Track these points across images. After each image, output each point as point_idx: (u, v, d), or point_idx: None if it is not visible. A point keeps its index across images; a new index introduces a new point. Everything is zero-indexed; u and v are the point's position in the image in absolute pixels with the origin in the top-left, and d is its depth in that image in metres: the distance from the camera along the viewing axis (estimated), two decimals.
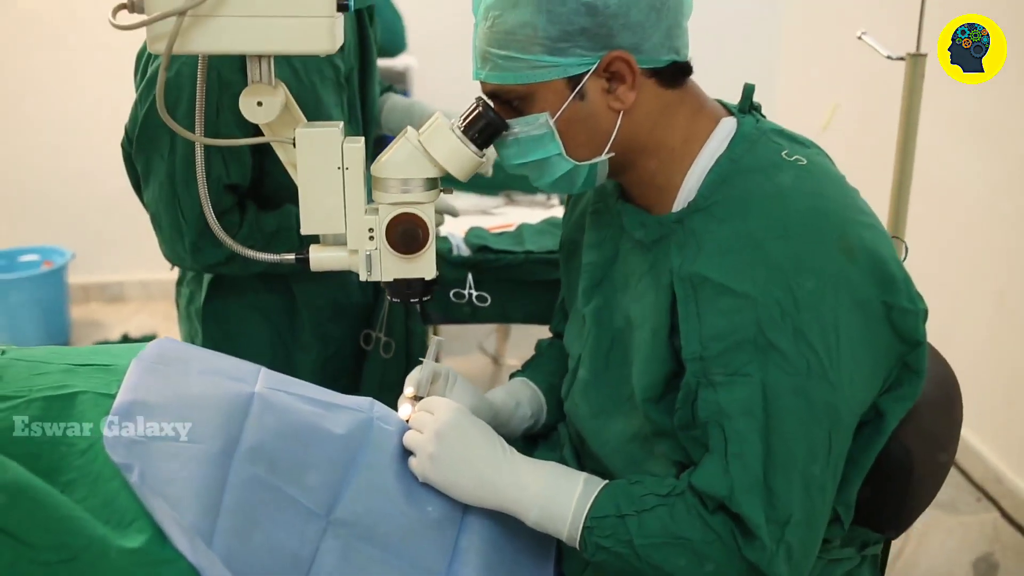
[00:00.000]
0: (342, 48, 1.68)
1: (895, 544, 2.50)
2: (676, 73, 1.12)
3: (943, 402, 1.20)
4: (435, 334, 1.36)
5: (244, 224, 1.52)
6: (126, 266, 4.12)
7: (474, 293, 1.81)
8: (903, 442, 1.11)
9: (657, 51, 1.08)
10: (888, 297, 1.05)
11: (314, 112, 1.50)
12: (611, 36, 1.06)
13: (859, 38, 1.79)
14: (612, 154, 1.12)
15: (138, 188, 1.62)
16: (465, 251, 1.89)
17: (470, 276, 1.81)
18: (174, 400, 1.08)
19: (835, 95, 3.20)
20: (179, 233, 1.53)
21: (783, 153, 1.10)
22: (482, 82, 1.13)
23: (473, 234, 1.93)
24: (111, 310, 4.11)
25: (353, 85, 1.71)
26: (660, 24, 1.08)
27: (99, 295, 4.16)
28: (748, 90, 1.18)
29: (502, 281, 1.86)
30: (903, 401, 1.10)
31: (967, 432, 2.83)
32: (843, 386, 1.02)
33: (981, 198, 2.71)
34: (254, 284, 1.65)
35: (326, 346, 1.79)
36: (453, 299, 1.82)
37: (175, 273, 1.83)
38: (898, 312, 1.06)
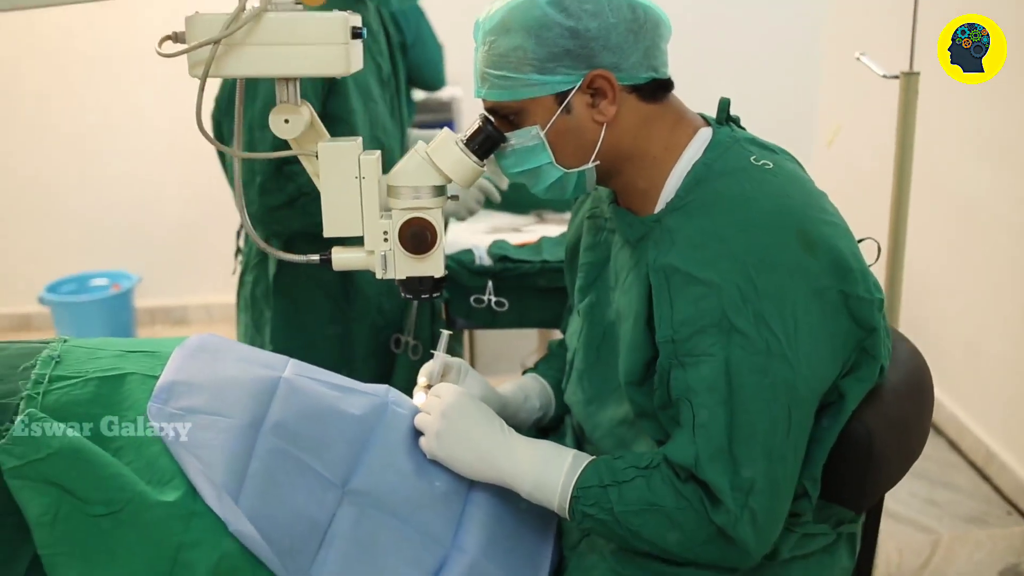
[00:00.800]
0: (383, 54, 2.08)
1: (921, 554, 2.57)
2: (656, 89, 1.25)
3: (910, 390, 1.29)
4: (451, 335, 1.49)
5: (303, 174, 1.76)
6: (189, 290, 4.31)
7: (493, 299, 1.94)
8: (865, 423, 1.21)
9: (636, 69, 1.21)
10: (845, 287, 1.16)
11: (366, 96, 1.91)
12: (593, 57, 1.19)
13: (857, 59, 1.89)
14: (598, 162, 1.25)
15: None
16: (487, 261, 2.03)
17: (490, 283, 1.94)
18: (210, 381, 1.23)
19: (866, 115, 3.29)
20: (252, 176, 1.83)
21: (752, 158, 1.22)
22: (483, 99, 1.27)
23: (496, 246, 2.07)
24: (174, 332, 4.27)
25: (391, 87, 2.00)
26: (638, 45, 1.21)
27: (164, 318, 4.34)
28: (723, 103, 1.30)
29: (520, 288, 2.00)
30: (862, 383, 1.20)
31: (998, 447, 2.87)
32: (801, 366, 1.13)
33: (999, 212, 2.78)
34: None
35: (380, 315, 2.07)
36: (473, 304, 1.96)
37: (233, 292, 2.07)
38: (855, 301, 1.17)
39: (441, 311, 2.10)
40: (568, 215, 2.46)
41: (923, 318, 3.27)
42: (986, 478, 2.94)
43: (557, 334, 1.95)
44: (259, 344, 2.11)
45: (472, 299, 1.96)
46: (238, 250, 2.27)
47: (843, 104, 3.82)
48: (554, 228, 2.37)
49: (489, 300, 1.95)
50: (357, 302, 2.08)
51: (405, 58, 2.53)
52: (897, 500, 2.81)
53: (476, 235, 2.30)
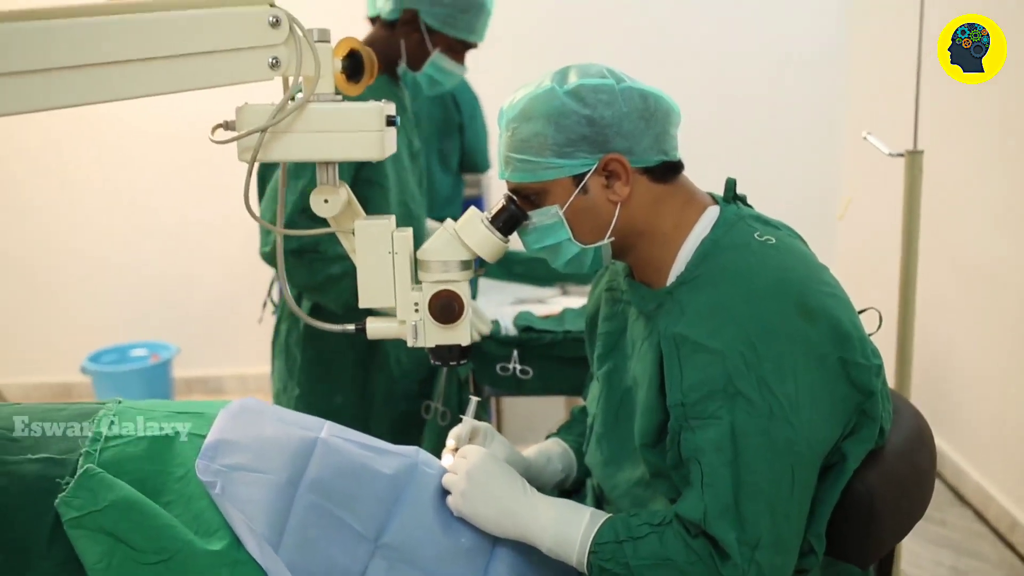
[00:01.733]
0: (413, 131, 2.31)
1: None
2: (666, 171, 1.35)
3: (910, 451, 1.36)
4: (479, 402, 1.59)
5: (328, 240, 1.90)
6: (225, 361, 4.43)
7: (518, 367, 2.03)
8: (867, 483, 1.27)
9: (647, 153, 1.32)
10: (844, 354, 1.24)
11: (398, 165, 2.10)
12: (607, 142, 1.30)
13: (864, 138, 1.99)
14: (613, 238, 1.35)
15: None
16: (512, 332, 2.13)
17: (515, 353, 2.03)
18: (252, 441, 1.32)
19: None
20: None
21: (755, 234, 1.31)
22: (507, 181, 1.37)
23: (521, 317, 2.17)
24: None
25: (419, 162, 2.20)
26: (649, 131, 1.31)
27: (200, 387, 4.45)
28: (730, 183, 1.40)
29: (544, 357, 2.09)
30: (862, 444, 1.28)
31: (1023, 516, 2.89)
32: (802, 427, 1.20)
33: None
34: (343, 316, 2.00)
35: (398, 369, 2.23)
36: (499, 372, 2.05)
37: (267, 363, 2.27)
38: (853, 367, 1.24)
39: (469, 379, 2.20)
40: (590, 287, 2.59)
41: (946, 390, 3.31)
42: (1011, 547, 2.95)
43: (582, 402, 2.04)
44: (291, 387, 2.30)
45: (498, 367, 2.05)
46: (266, 302, 2.52)
47: (860, 179, 3.91)
48: (577, 300, 2.46)
49: (514, 368, 2.03)
50: (378, 355, 2.25)
51: (462, 137, 2.73)
52: (923, 568, 2.84)
53: (502, 307, 2.40)
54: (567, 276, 2.61)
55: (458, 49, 2.22)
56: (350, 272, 1.88)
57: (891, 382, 1.62)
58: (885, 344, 1.44)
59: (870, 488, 1.27)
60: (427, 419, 2.21)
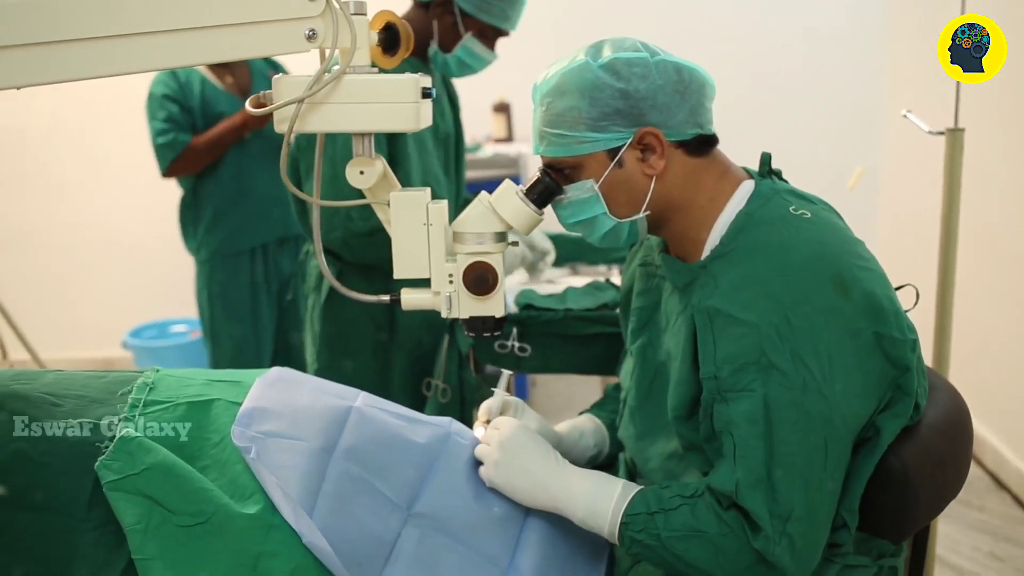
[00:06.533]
0: (443, 115, 2.30)
1: None
2: (701, 144, 1.34)
3: (946, 427, 1.35)
4: (511, 375, 1.59)
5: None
6: None
7: (516, 344, 2.02)
8: (901, 458, 1.27)
9: (683, 126, 1.31)
10: (879, 327, 1.23)
11: (422, 147, 2.10)
12: (642, 115, 1.29)
13: (904, 116, 1.96)
14: (648, 212, 1.34)
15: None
16: (513, 309, 2.12)
17: (515, 330, 2.03)
18: (288, 408, 1.34)
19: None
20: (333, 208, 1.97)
21: (791, 208, 1.31)
22: (541, 156, 1.38)
23: (522, 295, 2.16)
24: None
25: (448, 146, 2.21)
26: (684, 104, 1.31)
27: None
28: (765, 157, 1.39)
29: (543, 335, 2.07)
30: (897, 419, 1.27)
31: None
32: (836, 400, 1.20)
33: None
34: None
35: (417, 347, 2.26)
36: (498, 349, 2.04)
37: None
38: (889, 341, 1.24)
39: (468, 356, 2.23)
40: (601, 268, 2.60)
41: (985, 374, 3.27)
42: None
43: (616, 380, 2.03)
44: (311, 360, 2.33)
45: (497, 344, 2.04)
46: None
47: (899, 157, 3.87)
48: (583, 280, 2.45)
49: (513, 345, 2.03)
50: (399, 332, 2.26)
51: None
52: (960, 554, 2.82)
53: (507, 284, 2.39)
54: (575, 257, 2.63)
55: (489, 35, 2.23)
56: None
57: (928, 361, 1.60)
58: (923, 324, 1.43)
59: (905, 462, 1.26)
60: (428, 396, 2.23)
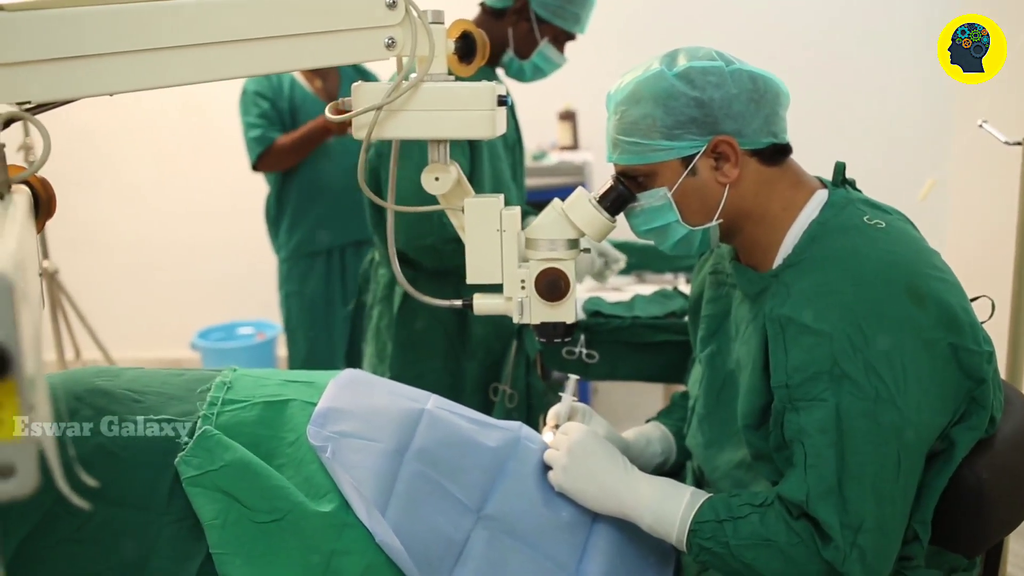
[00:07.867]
0: (510, 124, 2.30)
1: None
2: (775, 153, 1.34)
3: (1021, 442, 1.33)
4: (578, 380, 1.60)
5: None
6: None
7: (584, 351, 2.03)
8: (976, 471, 1.25)
9: (757, 135, 1.31)
10: (954, 339, 1.22)
11: (494, 155, 2.10)
12: (717, 124, 1.30)
13: (980, 126, 1.94)
14: (721, 220, 1.35)
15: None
16: (581, 316, 2.13)
17: (583, 336, 2.03)
18: (362, 409, 1.36)
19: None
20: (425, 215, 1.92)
21: (865, 218, 1.30)
22: (615, 163, 1.38)
23: (590, 302, 2.17)
24: None
25: (515, 153, 2.24)
26: (759, 113, 1.31)
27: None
28: (839, 167, 1.38)
29: (611, 342, 2.09)
30: (972, 431, 1.25)
31: None
32: (910, 412, 1.19)
33: None
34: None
35: (488, 355, 2.25)
36: (565, 356, 2.05)
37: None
38: (964, 352, 1.22)
39: (536, 362, 2.24)
40: (668, 276, 2.60)
41: None
42: None
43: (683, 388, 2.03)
44: (380, 373, 2.31)
45: (564, 351, 2.05)
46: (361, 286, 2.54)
47: (972, 167, 3.80)
48: (650, 288, 2.46)
49: (580, 352, 2.03)
50: (471, 341, 2.26)
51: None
52: None
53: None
54: (644, 265, 2.63)
55: (561, 40, 2.27)
56: None
57: (1003, 374, 1.58)
58: (998, 336, 1.41)
59: (979, 476, 1.25)
60: (495, 402, 2.24)
